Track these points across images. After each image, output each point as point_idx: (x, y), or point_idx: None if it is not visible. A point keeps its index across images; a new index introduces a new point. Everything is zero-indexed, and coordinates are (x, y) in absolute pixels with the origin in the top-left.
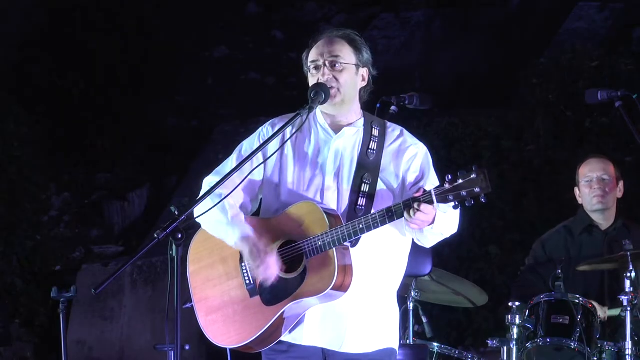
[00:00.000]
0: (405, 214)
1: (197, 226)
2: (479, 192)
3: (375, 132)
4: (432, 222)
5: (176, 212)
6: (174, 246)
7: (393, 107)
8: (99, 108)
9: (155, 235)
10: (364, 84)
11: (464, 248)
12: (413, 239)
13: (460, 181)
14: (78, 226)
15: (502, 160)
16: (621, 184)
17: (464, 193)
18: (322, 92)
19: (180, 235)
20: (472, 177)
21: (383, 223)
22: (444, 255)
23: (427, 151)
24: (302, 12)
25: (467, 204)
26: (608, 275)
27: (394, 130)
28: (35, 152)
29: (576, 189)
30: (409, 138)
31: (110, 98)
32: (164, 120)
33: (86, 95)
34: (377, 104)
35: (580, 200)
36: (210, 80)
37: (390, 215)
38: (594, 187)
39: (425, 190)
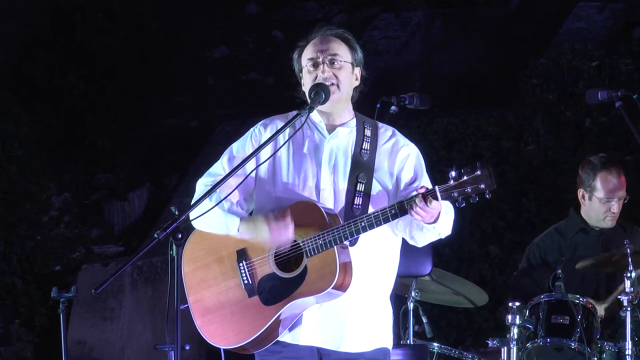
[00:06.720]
0: (410, 210)
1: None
2: (484, 188)
3: (368, 132)
4: (435, 221)
5: (176, 212)
6: (174, 246)
7: (393, 107)
8: (99, 108)
9: (155, 235)
10: (357, 83)
11: (464, 248)
12: (403, 239)
13: (465, 178)
14: (78, 226)
15: (502, 160)
16: None
17: (468, 189)
18: (323, 92)
19: (180, 235)
20: (477, 173)
21: (386, 221)
22: (444, 255)
23: (419, 152)
24: (302, 12)
25: (471, 201)
26: (604, 275)
27: (386, 130)
28: (35, 152)
29: (582, 192)
30: (401, 138)
31: (111, 98)
32: (164, 120)
33: (86, 95)
34: (377, 104)
35: (583, 204)
36: (210, 80)
37: (394, 213)
38: (612, 210)
39: (428, 188)
